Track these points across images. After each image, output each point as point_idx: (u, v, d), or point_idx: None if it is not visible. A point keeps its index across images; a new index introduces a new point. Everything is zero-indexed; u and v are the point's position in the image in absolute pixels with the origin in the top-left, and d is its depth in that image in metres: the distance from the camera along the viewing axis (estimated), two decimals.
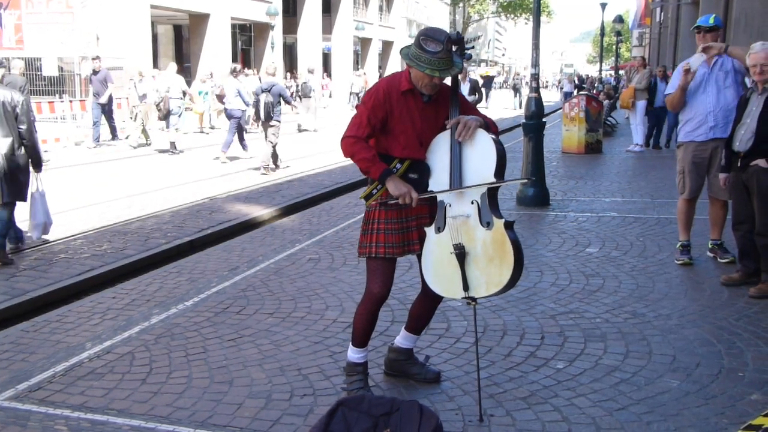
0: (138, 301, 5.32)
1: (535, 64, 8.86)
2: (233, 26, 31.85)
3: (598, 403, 3.53)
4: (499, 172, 3.31)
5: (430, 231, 3.43)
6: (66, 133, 16.15)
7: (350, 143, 3.39)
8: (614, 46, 36.77)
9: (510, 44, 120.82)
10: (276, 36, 31.08)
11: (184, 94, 15.73)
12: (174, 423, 3.40)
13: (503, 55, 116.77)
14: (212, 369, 4.03)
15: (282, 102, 12.13)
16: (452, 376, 3.87)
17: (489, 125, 3.42)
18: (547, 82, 42.80)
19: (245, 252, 6.75)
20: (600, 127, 15.06)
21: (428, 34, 3.26)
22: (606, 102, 18.20)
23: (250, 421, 3.40)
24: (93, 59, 16.36)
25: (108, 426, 3.39)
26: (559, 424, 3.34)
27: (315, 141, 17.84)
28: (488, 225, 3.27)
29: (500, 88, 56.06)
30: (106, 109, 16.00)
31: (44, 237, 7.13)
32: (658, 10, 33.30)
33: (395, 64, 49.76)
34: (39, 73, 19.87)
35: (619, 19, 33.38)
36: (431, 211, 3.48)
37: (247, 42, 35.99)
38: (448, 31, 3.34)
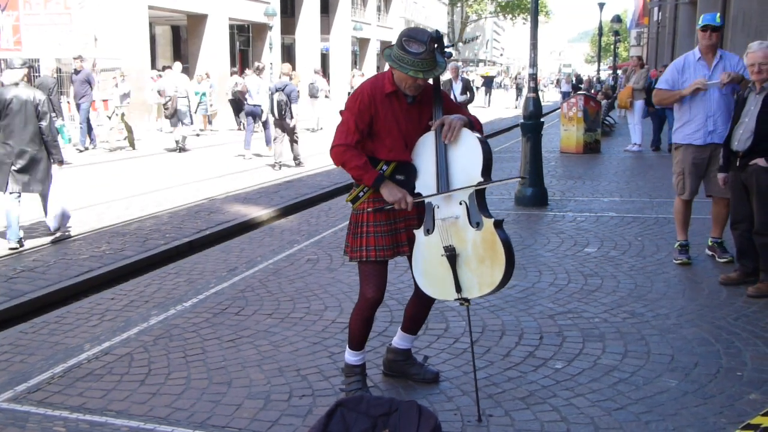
0: (137, 302, 5.32)
1: (534, 64, 8.86)
2: (231, 27, 31.82)
3: (596, 403, 3.53)
4: (486, 171, 3.28)
5: (419, 234, 3.41)
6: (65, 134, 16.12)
7: (340, 152, 3.36)
8: (612, 46, 36.76)
9: (508, 44, 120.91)
10: (274, 36, 31.06)
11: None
12: (173, 424, 3.41)
13: (501, 55, 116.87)
14: (211, 370, 4.03)
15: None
16: (451, 377, 3.87)
17: (473, 123, 3.39)
18: (544, 87, 42.43)
19: (244, 253, 6.75)
20: (598, 127, 15.07)
21: (410, 35, 3.23)
22: (604, 102, 18.21)
23: (249, 422, 3.40)
24: (75, 58, 15.93)
25: (107, 427, 3.39)
26: (557, 424, 3.34)
27: (315, 141, 17.83)
28: (478, 225, 3.26)
29: (499, 87, 55.99)
30: (81, 110, 15.51)
31: (63, 231, 7.40)
32: (656, 9, 33.34)
33: None
34: (37, 75, 19.84)
35: (617, 19, 33.36)
36: (419, 212, 3.46)
37: (245, 43, 35.95)
38: (429, 31, 3.30)
